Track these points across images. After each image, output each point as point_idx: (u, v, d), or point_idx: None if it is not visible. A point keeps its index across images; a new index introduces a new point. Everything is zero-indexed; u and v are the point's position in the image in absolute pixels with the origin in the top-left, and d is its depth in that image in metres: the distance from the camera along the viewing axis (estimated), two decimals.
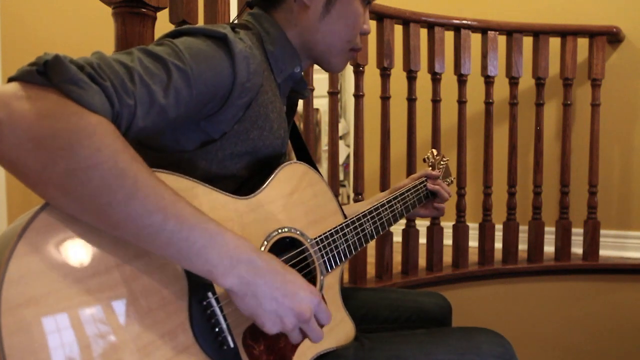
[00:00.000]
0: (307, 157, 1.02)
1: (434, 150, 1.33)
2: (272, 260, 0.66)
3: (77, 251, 0.55)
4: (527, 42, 2.12)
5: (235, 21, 0.97)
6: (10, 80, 0.55)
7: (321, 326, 0.70)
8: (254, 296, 0.63)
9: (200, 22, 1.32)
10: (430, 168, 1.29)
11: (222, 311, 0.67)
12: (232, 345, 0.67)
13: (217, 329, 0.66)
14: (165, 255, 0.60)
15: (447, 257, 2.06)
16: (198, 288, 0.65)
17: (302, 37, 0.90)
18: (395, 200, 1.10)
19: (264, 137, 0.83)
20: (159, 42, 0.72)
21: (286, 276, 0.66)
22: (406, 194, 1.15)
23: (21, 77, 0.54)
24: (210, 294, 0.66)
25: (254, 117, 0.81)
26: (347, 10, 0.89)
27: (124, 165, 0.55)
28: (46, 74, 0.54)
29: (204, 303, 0.65)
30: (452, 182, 1.34)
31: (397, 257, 1.97)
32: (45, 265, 0.52)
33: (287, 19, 0.90)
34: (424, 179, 1.22)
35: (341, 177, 3.83)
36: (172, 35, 0.75)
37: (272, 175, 0.82)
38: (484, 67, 2.08)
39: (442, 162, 1.31)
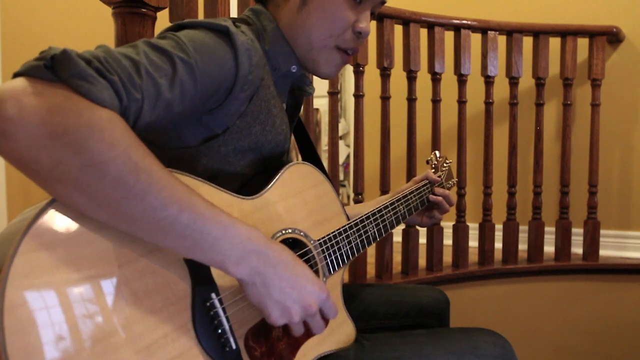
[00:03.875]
0: (313, 155, 1.01)
1: (436, 152, 1.32)
2: (283, 251, 0.67)
3: (81, 250, 0.55)
4: (527, 42, 2.12)
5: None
6: (17, 75, 0.54)
7: (326, 320, 0.71)
8: (263, 285, 0.64)
9: None
10: (433, 170, 1.28)
11: (225, 312, 0.67)
12: (234, 346, 0.67)
13: (219, 330, 0.66)
14: (178, 248, 0.60)
15: (447, 257, 2.06)
16: (201, 289, 0.65)
17: (286, 32, 0.88)
18: (398, 203, 1.10)
19: (266, 132, 0.83)
20: (162, 36, 0.72)
21: (296, 268, 0.67)
22: (409, 196, 1.14)
23: (28, 72, 0.54)
24: (213, 295, 0.66)
25: (256, 111, 0.80)
26: (326, 2, 0.85)
27: (137, 159, 0.55)
28: (53, 69, 0.54)
29: (207, 304, 0.65)
30: (454, 184, 1.33)
31: (397, 257, 1.97)
32: (48, 265, 0.51)
33: (275, 14, 0.89)
34: (426, 181, 1.21)
35: (341, 177, 3.83)
36: (174, 28, 0.75)
37: (277, 176, 0.82)
38: (484, 67, 2.08)
39: (445, 164, 1.30)
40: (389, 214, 1.05)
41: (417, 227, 1.95)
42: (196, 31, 0.73)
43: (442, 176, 1.27)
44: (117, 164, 0.53)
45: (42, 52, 0.55)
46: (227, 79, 0.74)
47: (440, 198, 1.20)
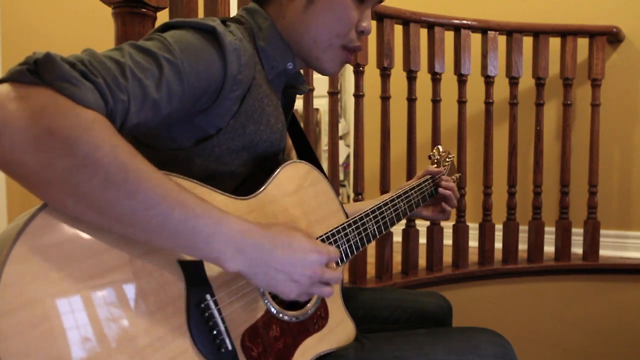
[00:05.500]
0: (309, 153, 1.01)
1: (439, 147, 1.30)
2: (277, 234, 0.67)
3: (74, 254, 0.55)
4: (527, 42, 2.12)
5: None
6: (1, 81, 0.54)
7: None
8: (264, 274, 0.65)
9: None
10: (435, 165, 1.27)
11: (220, 313, 0.67)
12: (230, 347, 0.67)
13: (215, 331, 0.66)
14: (172, 246, 0.60)
15: (447, 257, 2.06)
16: (196, 290, 0.65)
17: (289, 31, 0.88)
18: (399, 199, 1.09)
19: (261, 132, 0.83)
20: (149, 37, 0.71)
21: (293, 246, 0.68)
22: (410, 193, 1.13)
23: (12, 78, 0.54)
24: (208, 296, 0.66)
25: (250, 111, 0.80)
26: (333, 2, 0.85)
27: (124, 159, 0.55)
28: (37, 73, 0.54)
29: (202, 305, 0.65)
30: (457, 178, 1.32)
31: (397, 257, 1.97)
32: (40, 269, 0.51)
33: (277, 12, 0.88)
34: (428, 177, 1.21)
35: (341, 177, 3.83)
36: (161, 29, 0.75)
37: (274, 175, 0.82)
38: (484, 67, 2.08)
39: (447, 159, 1.29)
40: (388, 211, 1.05)
41: (417, 227, 1.95)
42: (182, 31, 0.73)
43: (445, 171, 1.26)
44: (104, 164, 0.53)
45: (27, 57, 0.55)
46: (215, 80, 0.73)
47: (449, 192, 1.20)
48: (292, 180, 0.85)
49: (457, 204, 2.01)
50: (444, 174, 1.24)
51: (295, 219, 0.83)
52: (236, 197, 0.75)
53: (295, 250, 0.68)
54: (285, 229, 0.70)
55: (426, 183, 1.19)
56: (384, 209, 1.03)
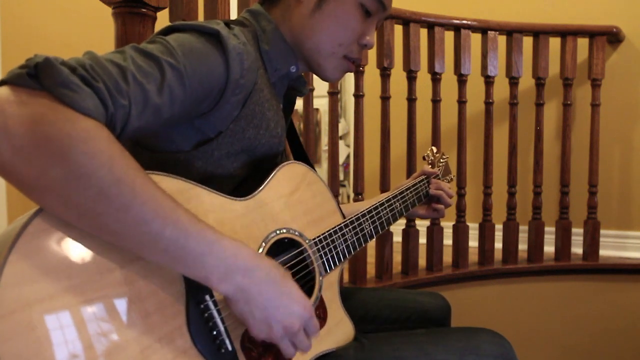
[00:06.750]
0: (303, 156, 1.01)
1: (433, 148, 1.32)
2: (270, 268, 0.66)
3: (72, 256, 0.54)
4: (527, 42, 2.12)
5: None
6: (1, 83, 0.54)
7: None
8: (246, 303, 0.64)
9: None
10: (430, 166, 1.28)
11: (219, 314, 0.66)
12: (229, 348, 0.67)
13: (214, 332, 0.65)
14: (162, 262, 0.60)
15: (447, 257, 2.06)
16: (195, 291, 0.65)
17: (293, 34, 0.88)
18: (395, 199, 1.10)
19: (260, 136, 0.83)
20: (151, 40, 0.71)
21: (282, 287, 0.66)
22: (405, 193, 1.14)
23: (11, 81, 0.53)
24: (207, 297, 0.66)
25: (250, 115, 0.80)
26: (340, 11, 0.86)
27: (120, 173, 0.54)
28: (37, 77, 0.53)
29: (202, 306, 0.65)
30: (452, 179, 1.33)
31: (397, 257, 1.97)
32: (39, 271, 0.51)
33: (282, 15, 0.88)
34: (423, 177, 1.22)
35: (341, 177, 3.83)
36: (164, 32, 0.75)
37: (270, 176, 0.82)
38: (484, 67, 2.08)
39: (441, 160, 1.31)
40: (385, 211, 1.05)
41: (417, 227, 1.95)
42: (186, 35, 0.73)
43: (440, 171, 1.27)
44: (99, 176, 0.53)
45: (27, 60, 0.55)
46: (217, 84, 0.73)
47: (440, 192, 1.21)
48: (289, 181, 0.85)
49: (457, 204, 2.03)
50: (438, 175, 1.25)
51: (292, 220, 0.83)
52: (233, 198, 0.75)
53: (282, 293, 0.66)
54: (282, 270, 0.68)
55: (421, 183, 1.20)
56: (380, 209, 1.04)
